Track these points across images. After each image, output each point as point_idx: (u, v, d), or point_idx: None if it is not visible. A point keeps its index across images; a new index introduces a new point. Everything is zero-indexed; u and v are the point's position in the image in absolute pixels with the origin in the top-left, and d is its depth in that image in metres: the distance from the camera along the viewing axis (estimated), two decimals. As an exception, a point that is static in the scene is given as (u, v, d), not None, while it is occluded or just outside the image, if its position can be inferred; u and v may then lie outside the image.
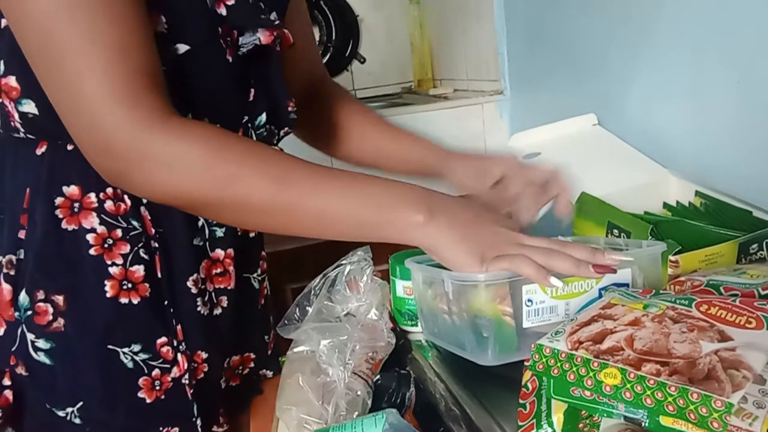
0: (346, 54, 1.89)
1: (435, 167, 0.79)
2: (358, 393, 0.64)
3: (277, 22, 0.63)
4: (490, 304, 0.57)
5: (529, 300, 0.57)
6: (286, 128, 0.72)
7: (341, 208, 0.56)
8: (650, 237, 0.72)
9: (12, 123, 0.59)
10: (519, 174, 0.74)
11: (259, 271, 0.77)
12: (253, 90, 0.66)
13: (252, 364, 0.79)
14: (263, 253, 0.78)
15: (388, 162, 0.82)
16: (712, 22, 0.84)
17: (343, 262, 0.75)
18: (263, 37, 0.62)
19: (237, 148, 0.55)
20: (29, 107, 0.57)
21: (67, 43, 0.49)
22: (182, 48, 0.58)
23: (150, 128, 0.52)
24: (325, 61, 1.86)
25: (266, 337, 0.80)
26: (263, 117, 0.67)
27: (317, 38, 1.85)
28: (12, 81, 0.56)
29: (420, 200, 0.57)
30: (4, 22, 0.54)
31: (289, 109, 0.70)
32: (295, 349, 0.71)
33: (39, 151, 0.60)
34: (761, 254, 0.68)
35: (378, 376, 0.69)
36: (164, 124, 0.53)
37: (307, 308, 0.73)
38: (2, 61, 0.56)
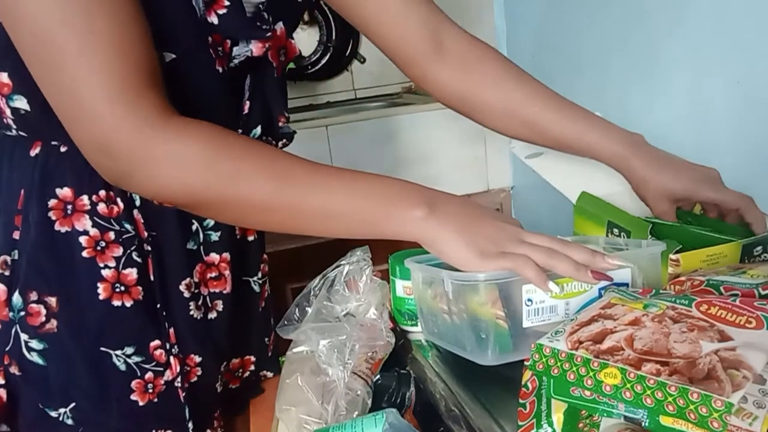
0: (346, 54, 1.89)
1: (617, 167, 0.74)
2: (358, 393, 0.64)
3: (269, 35, 0.62)
4: (484, 306, 0.57)
5: (529, 300, 0.57)
6: (284, 140, 0.72)
7: (342, 205, 0.56)
8: (650, 237, 0.71)
9: (4, 119, 0.59)
10: (721, 202, 0.71)
11: (259, 275, 0.76)
12: (248, 102, 0.65)
13: (252, 367, 0.79)
14: (264, 256, 0.78)
15: (555, 144, 0.77)
16: (713, 22, 0.84)
17: (342, 262, 0.75)
18: (255, 48, 0.61)
19: (238, 145, 0.55)
20: (21, 103, 0.57)
21: (63, 45, 0.49)
22: (168, 56, 0.57)
23: (151, 127, 0.52)
24: (324, 61, 1.86)
25: (267, 339, 0.80)
26: (258, 130, 0.67)
27: (317, 38, 1.85)
28: (4, 77, 0.56)
29: (420, 195, 0.57)
30: None
31: (280, 124, 0.69)
32: (295, 350, 0.71)
33: (33, 153, 0.60)
34: (765, 256, 0.68)
35: (378, 376, 0.69)
36: (165, 123, 0.52)
37: (306, 309, 0.73)
38: None
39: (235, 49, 0.61)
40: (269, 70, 0.66)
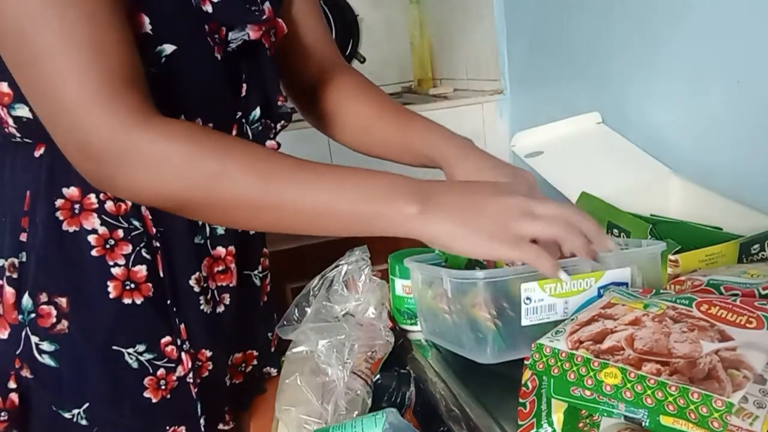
0: (346, 54, 1.88)
1: (439, 166, 0.74)
2: (358, 392, 0.64)
3: (265, 17, 0.62)
4: (474, 308, 0.57)
5: (528, 298, 0.57)
6: (282, 122, 0.71)
7: (331, 202, 0.54)
8: (650, 237, 0.72)
9: (6, 129, 0.58)
10: None
11: (260, 269, 0.76)
12: (245, 85, 0.65)
13: (255, 362, 0.79)
14: (265, 250, 0.78)
15: (394, 155, 0.78)
16: (713, 22, 0.84)
17: (341, 262, 0.75)
18: (252, 32, 0.62)
19: (221, 144, 0.54)
20: (23, 111, 0.57)
21: (40, 45, 0.49)
22: (169, 48, 0.57)
23: (130, 128, 0.51)
24: (325, 60, 1.86)
25: (269, 334, 0.80)
26: (257, 112, 0.66)
27: (317, 38, 1.85)
28: (4, 87, 0.56)
29: (411, 190, 0.54)
30: None
31: (279, 103, 0.69)
32: (294, 350, 0.71)
33: (38, 154, 0.59)
34: (763, 255, 0.68)
35: (378, 376, 0.69)
36: (145, 123, 0.52)
37: (306, 309, 0.73)
38: None
39: (230, 34, 0.61)
40: (262, 52, 0.66)
